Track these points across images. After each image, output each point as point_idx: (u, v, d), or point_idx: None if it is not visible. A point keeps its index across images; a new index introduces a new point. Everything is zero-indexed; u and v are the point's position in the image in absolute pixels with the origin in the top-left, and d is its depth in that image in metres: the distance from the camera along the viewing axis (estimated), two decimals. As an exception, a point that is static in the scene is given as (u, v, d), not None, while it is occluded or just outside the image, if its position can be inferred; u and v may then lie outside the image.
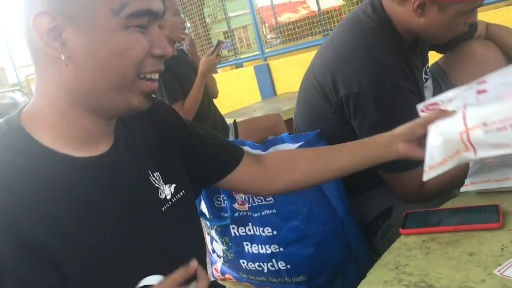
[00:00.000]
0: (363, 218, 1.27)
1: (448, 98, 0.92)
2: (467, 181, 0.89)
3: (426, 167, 0.85)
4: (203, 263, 0.80)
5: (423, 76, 1.29)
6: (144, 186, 0.74)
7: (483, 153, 0.77)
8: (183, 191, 0.81)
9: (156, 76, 0.70)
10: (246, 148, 1.22)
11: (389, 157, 0.95)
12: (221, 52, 2.24)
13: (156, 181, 0.76)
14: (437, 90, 1.41)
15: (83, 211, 0.63)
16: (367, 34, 1.15)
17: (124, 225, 0.67)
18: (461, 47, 1.41)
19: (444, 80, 1.42)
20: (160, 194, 0.76)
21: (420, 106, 0.95)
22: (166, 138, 0.83)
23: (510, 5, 3.25)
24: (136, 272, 0.67)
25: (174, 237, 0.75)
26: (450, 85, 1.41)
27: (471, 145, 0.78)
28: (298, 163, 0.97)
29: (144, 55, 0.65)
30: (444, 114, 0.85)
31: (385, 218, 1.23)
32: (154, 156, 0.79)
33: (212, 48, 2.24)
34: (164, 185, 0.77)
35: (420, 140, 0.90)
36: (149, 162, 0.77)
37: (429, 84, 1.34)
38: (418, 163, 1.12)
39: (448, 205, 0.88)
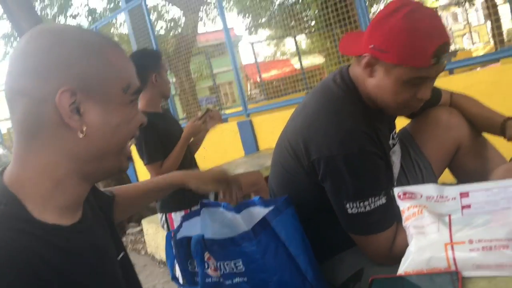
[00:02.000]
0: (335, 281, 1.28)
1: (427, 194, 0.95)
2: (401, 268, 0.91)
3: (401, 270, 0.88)
4: None
5: (391, 141, 1.35)
6: (107, 244, 0.85)
7: (465, 273, 0.81)
8: (122, 252, 0.90)
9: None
10: (221, 210, 1.26)
11: None
12: (211, 109, 2.30)
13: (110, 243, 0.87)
14: (406, 155, 1.47)
15: (86, 271, 0.72)
16: (337, 103, 1.22)
17: (111, 276, 0.80)
18: (427, 113, 1.48)
19: (411, 144, 1.48)
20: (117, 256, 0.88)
21: (397, 190, 0.99)
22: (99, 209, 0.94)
23: (483, 66, 3.42)
24: None
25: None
26: (417, 150, 1.46)
27: (455, 263, 0.82)
28: None
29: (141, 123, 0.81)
30: None
31: (356, 281, 1.24)
32: (100, 220, 0.89)
33: (199, 114, 2.30)
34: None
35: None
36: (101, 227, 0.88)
37: (396, 149, 1.39)
38: (388, 226, 1.16)
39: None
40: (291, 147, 1.26)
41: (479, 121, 1.45)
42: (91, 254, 0.75)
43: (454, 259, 0.84)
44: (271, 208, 1.18)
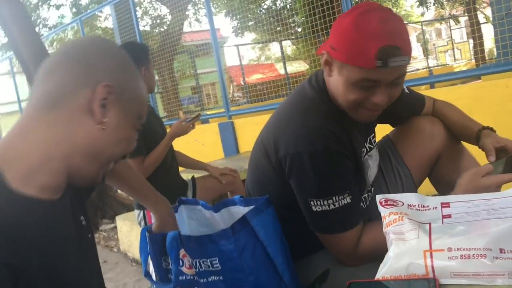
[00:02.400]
0: (305, 281, 1.28)
1: (409, 203, 0.96)
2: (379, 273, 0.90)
3: (379, 275, 0.88)
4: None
5: (367, 145, 1.36)
6: (80, 224, 0.88)
7: (443, 281, 0.81)
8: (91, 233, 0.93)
9: None
10: (199, 207, 1.23)
11: None
12: (192, 110, 2.30)
13: (83, 221, 0.90)
14: (387, 162, 1.48)
15: (64, 245, 0.77)
16: (307, 102, 1.23)
17: (77, 252, 0.82)
18: (410, 122, 1.49)
19: (393, 152, 1.49)
20: (88, 234, 0.91)
21: (379, 197, 0.98)
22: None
23: (464, 83, 3.48)
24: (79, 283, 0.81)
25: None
26: (398, 158, 1.47)
27: (433, 270, 0.82)
28: None
29: None
30: None
31: (321, 282, 1.25)
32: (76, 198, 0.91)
33: (189, 116, 2.29)
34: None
35: None
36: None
37: (373, 153, 1.40)
38: (352, 226, 1.17)
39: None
40: (263, 145, 1.28)
41: (458, 130, 1.46)
42: (67, 231, 0.79)
43: (433, 266, 0.83)
44: (251, 207, 1.16)
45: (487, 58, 7.74)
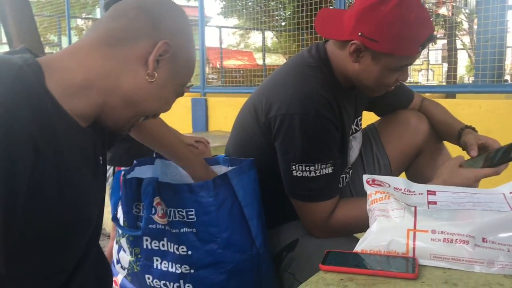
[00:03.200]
0: (273, 250, 1.27)
1: (395, 186, 0.98)
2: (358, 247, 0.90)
3: (358, 248, 0.87)
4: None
5: (353, 126, 1.37)
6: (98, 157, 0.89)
7: (421, 262, 0.81)
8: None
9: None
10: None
11: None
12: None
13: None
14: (368, 148, 1.49)
15: (78, 159, 0.77)
16: (304, 67, 1.23)
17: (95, 178, 0.84)
18: (397, 114, 1.50)
19: (375, 140, 1.50)
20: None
21: (366, 177, 1.00)
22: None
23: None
24: (88, 209, 0.81)
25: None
26: (380, 146, 1.48)
27: (414, 250, 0.82)
28: None
29: None
30: None
31: (289, 250, 1.25)
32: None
33: None
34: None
35: None
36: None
37: (358, 135, 1.41)
38: (329, 197, 1.17)
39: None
40: (253, 106, 1.26)
41: (442, 128, 1.49)
42: (86, 158, 0.81)
43: (414, 246, 0.84)
44: (233, 167, 1.14)
45: (458, 83, 8.01)
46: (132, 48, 0.79)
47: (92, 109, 0.79)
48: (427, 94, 4.04)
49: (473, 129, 1.38)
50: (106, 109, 0.80)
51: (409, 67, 1.23)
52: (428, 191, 0.97)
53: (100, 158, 0.89)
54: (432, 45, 10.31)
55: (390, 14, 1.08)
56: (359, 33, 1.12)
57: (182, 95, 0.91)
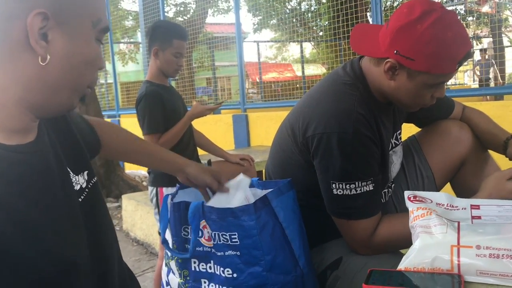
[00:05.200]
0: (317, 268, 1.28)
1: (437, 201, 0.96)
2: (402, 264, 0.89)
3: (401, 266, 0.87)
4: (115, 248, 0.89)
5: (393, 141, 1.36)
6: (66, 174, 0.78)
7: (467, 278, 0.80)
8: (95, 178, 0.87)
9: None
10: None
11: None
12: (206, 101, 2.30)
13: (71, 173, 0.80)
14: (410, 161, 1.47)
15: (19, 194, 0.65)
16: (340, 85, 1.24)
17: (57, 208, 0.71)
18: (437, 125, 1.48)
19: (417, 152, 1.48)
20: (75, 186, 0.80)
21: (407, 193, 0.98)
22: (70, 129, 0.88)
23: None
24: (64, 253, 0.70)
25: (94, 223, 0.81)
26: (422, 158, 1.46)
27: (458, 266, 0.81)
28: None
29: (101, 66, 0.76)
30: None
31: (333, 269, 1.25)
32: (67, 149, 0.82)
33: (214, 102, 2.29)
34: (77, 176, 0.81)
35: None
36: (64, 154, 0.80)
37: (398, 149, 1.40)
38: (371, 214, 1.16)
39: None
40: (290, 126, 1.28)
41: (486, 138, 1.45)
42: (35, 179, 0.69)
43: (459, 262, 0.82)
44: (270, 190, 1.16)
45: (507, 83, 7.67)
46: (9, 41, 0.66)
47: (22, 120, 0.70)
48: (472, 98, 3.92)
49: None
50: (37, 108, 0.70)
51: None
52: (471, 205, 0.95)
53: (68, 169, 0.78)
54: (477, 44, 9.97)
55: (427, 32, 1.07)
56: (395, 51, 1.12)
57: (101, 35, 0.74)
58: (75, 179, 0.81)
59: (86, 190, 0.82)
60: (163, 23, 2.49)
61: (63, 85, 0.70)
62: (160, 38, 2.22)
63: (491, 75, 8.13)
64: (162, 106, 2.17)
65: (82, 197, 0.80)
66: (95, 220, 0.83)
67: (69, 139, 0.86)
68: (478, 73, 8.60)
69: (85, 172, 0.84)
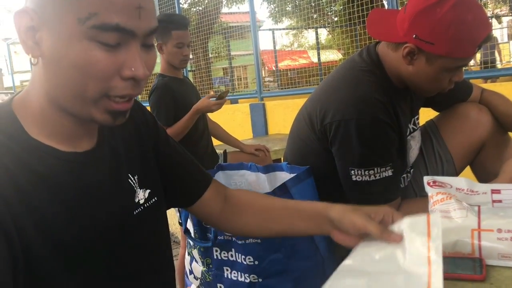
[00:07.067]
0: (340, 254, 1.28)
1: (457, 186, 0.95)
2: None
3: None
4: (168, 274, 0.86)
5: (411, 126, 1.35)
6: (121, 188, 0.75)
7: (489, 262, 0.80)
8: (156, 198, 0.82)
9: (128, 97, 0.66)
10: (243, 172, 1.24)
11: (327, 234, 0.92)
12: (220, 93, 2.27)
13: (133, 184, 0.78)
14: (428, 145, 1.46)
15: (60, 203, 0.64)
16: (357, 72, 1.24)
17: (96, 224, 0.69)
18: (456, 108, 1.47)
19: (436, 136, 1.48)
20: (135, 198, 0.77)
21: (427, 178, 0.98)
22: (145, 143, 0.84)
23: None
24: (97, 271, 0.68)
25: (141, 241, 0.77)
26: (441, 142, 1.45)
27: (479, 250, 0.81)
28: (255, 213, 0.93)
29: (108, 76, 0.62)
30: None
31: None
32: (133, 159, 0.80)
33: (218, 94, 2.25)
34: (139, 189, 0.78)
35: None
36: (129, 164, 0.78)
37: (416, 134, 1.39)
38: (390, 199, 1.16)
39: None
40: (307, 114, 1.28)
41: (505, 120, 1.44)
42: (76, 191, 0.67)
43: (480, 246, 0.82)
44: (294, 174, 1.18)
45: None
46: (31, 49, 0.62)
47: (66, 125, 0.67)
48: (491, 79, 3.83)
49: None
50: (69, 112, 0.66)
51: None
52: (492, 190, 0.94)
53: (131, 181, 0.77)
54: (498, 23, 9.72)
55: (447, 16, 1.07)
56: (414, 36, 1.12)
57: (105, 30, 0.59)
58: (137, 192, 0.78)
59: (141, 208, 0.78)
60: (161, 17, 2.48)
61: (65, 92, 0.63)
62: (160, 32, 2.22)
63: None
64: (172, 99, 2.17)
65: (136, 211, 0.77)
66: (144, 238, 0.78)
67: (144, 150, 0.83)
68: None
69: (147, 191, 0.80)
